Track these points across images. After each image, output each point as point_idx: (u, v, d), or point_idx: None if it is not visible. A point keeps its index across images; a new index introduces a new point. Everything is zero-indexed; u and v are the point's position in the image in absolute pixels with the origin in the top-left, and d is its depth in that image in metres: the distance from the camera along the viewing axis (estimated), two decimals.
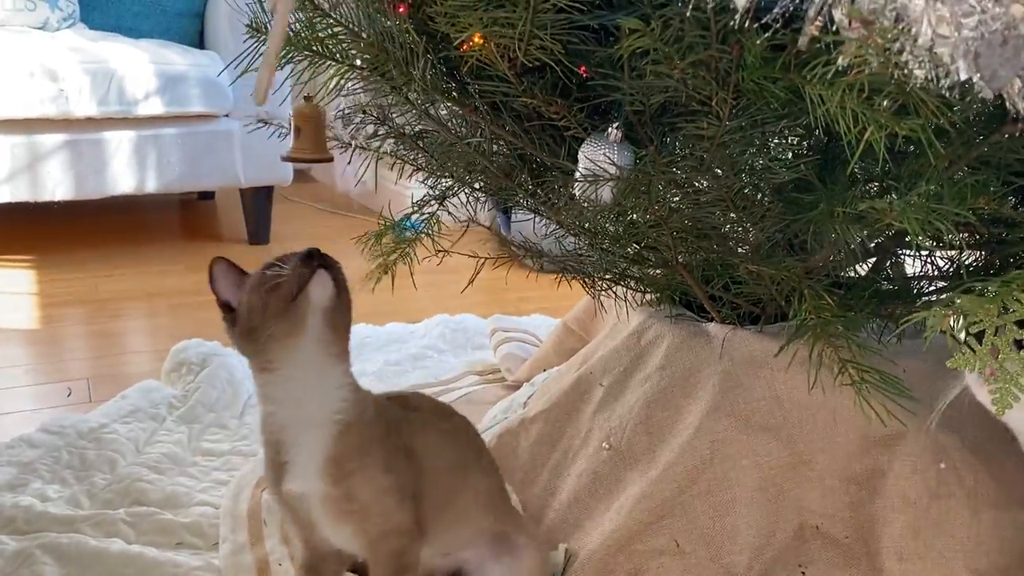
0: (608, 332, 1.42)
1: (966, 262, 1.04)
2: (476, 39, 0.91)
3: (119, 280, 2.66)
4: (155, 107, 2.86)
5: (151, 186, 2.90)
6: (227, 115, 2.98)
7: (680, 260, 1.12)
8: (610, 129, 0.95)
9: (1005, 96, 0.61)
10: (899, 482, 1.13)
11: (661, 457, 1.21)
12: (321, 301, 0.93)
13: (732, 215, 0.97)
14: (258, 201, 3.08)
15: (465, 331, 2.21)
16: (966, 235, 0.97)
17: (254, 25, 1.05)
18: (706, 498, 1.18)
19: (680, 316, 1.31)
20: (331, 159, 1.28)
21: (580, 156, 0.97)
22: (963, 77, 0.62)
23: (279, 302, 0.92)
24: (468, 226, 1.29)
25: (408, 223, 1.32)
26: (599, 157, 0.95)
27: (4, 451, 1.52)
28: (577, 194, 0.99)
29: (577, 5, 0.86)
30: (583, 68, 0.94)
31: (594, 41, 0.92)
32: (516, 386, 1.84)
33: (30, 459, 1.50)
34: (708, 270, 1.14)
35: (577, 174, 0.97)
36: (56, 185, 2.80)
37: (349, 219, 3.28)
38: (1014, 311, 0.77)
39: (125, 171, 2.86)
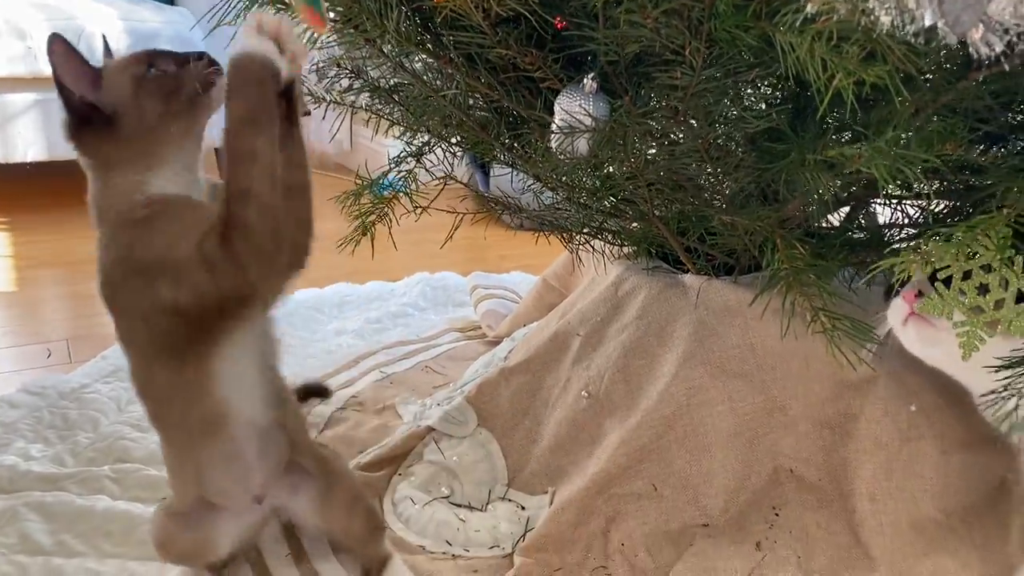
0: (586, 285, 1.44)
1: (935, 210, 1.06)
2: None
3: (94, 241, 2.63)
4: None
5: None
6: None
7: (656, 213, 1.14)
8: (585, 80, 0.95)
9: (968, 41, 0.62)
10: (871, 425, 1.16)
11: (639, 404, 1.23)
12: (218, 104, 0.93)
13: (707, 166, 0.98)
14: None
15: (446, 289, 2.22)
16: (935, 182, 0.99)
17: None
18: (682, 443, 1.21)
19: (657, 268, 1.33)
20: (308, 112, 1.27)
21: (556, 107, 0.97)
22: (928, 23, 0.63)
23: (181, 105, 0.92)
24: (446, 183, 1.29)
25: (386, 181, 1.32)
26: (575, 108, 0.95)
27: None
28: (553, 146, 0.99)
29: None
30: (558, 19, 0.94)
31: None
32: (496, 342, 1.86)
33: (12, 419, 1.51)
34: (683, 222, 1.15)
35: (553, 126, 0.98)
36: (27, 146, 2.77)
37: (326, 177, 3.24)
38: (980, 256, 0.79)
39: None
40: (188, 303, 0.88)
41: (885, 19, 0.64)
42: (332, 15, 1.04)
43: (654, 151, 0.98)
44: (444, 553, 1.21)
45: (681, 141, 0.95)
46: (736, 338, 1.21)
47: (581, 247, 1.33)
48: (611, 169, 1.09)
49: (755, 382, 1.20)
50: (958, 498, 1.16)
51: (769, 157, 0.89)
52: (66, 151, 2.70)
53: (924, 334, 0.99)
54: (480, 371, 1.60)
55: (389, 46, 1.06)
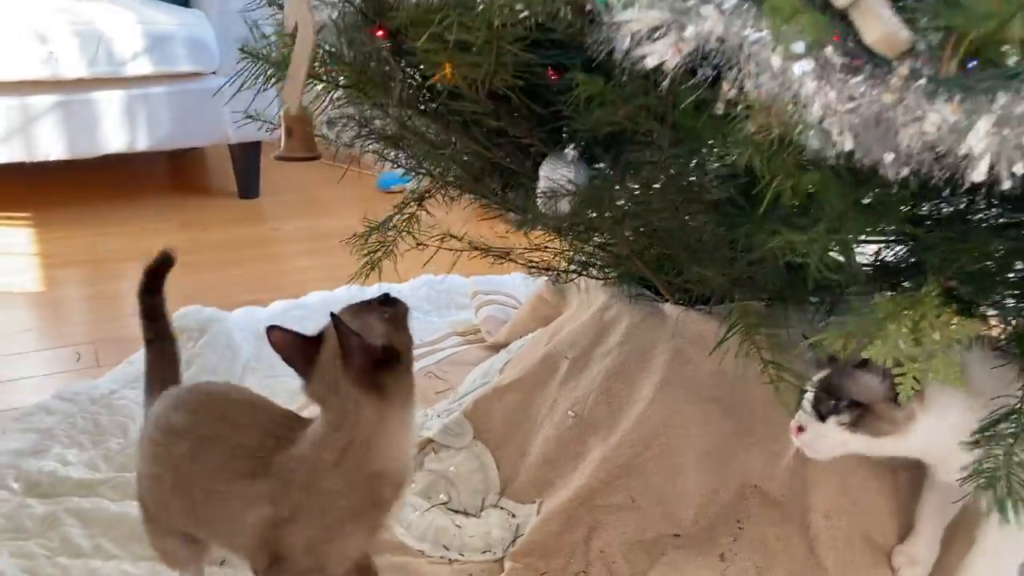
0: (575, 309, 1.56)
1: (888, 259, 1.17)
2: (447, 72, 1.02)
3: (116, 238, 2.75)
4: (143, 67, 2.92)
5: (142, 144, 2.97)
6: (214, 72, 3.04)
7: (635, 254, 1.25)
8: (567, 150, 1.07)
9: (879, 167, 0.73)
10: None
11: (619, 425, 1.36)
12: None
13: (676, 223, 1.09)
14: (247, 156, 3.16)
15: (448, 291, 2.34)
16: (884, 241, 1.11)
17: (246, 50, 1.15)
18: (659, 461, 1.33)
19: (639, 296, 1.45)
20: (319, 156, 1.38)
21: (540, 174, 1.09)
22: (847, 149, 0.74)
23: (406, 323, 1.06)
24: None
25: (389, 179, 1.43)
26: (556, 176, 1.07)
27: (24, 418, 1.66)
28: (539, 205, 1.11)
29: (537, 40, 0.96)
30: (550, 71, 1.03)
31: (553, 70, 1.03)
32: (496, 347, 1.98)
33: (48, 425, 1.64)
34: (661, 260, 1.26)
35: (538, 189, 1.09)
36: (50, 145, 2.88)
37: (336, 169, 3.36)
38: (905, 330, 0.91)
39: (116, 130, 2.93)
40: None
41: (814, 142, 0.75)
42: (342, 81, 1.15)
43: (629, 207, 1.08)
44: (441, 557, 1.35)
45: (653, 201, 1.06)
46: (709, 365, 1.33)
47: (568, 279, 1.44)
48: (593, 216, 1.20)
49: (725, 407, 1.32)
50: (907, 514, 1.29)
51: (729, 222, 1.00)
52: (87, 150, 2.82)
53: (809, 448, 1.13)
54: (478, 381, 1.73)
55: (393, 109, 1.17)
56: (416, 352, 2.01)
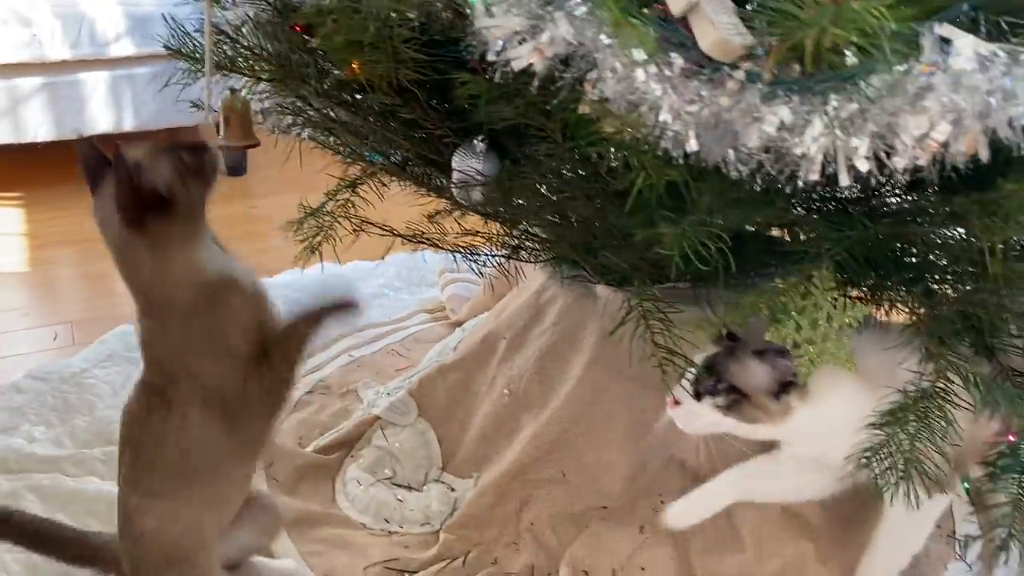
0: (517, 291, 1.60)
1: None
2: (355, 67, 1.06)
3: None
4: (126, 48, 2.96)
5: (128, 124, 3.03)
6: None
7: (559, 239, 1.29)
8: (475, 142, 1.10)
9: (721, 164, 0.77)
10: None
11: (550, 402, 1.41)
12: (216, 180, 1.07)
13: (582, 212, 1.13)
14: None
15: (420, 268, 2.38)
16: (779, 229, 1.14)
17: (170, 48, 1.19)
18: (587, 436, 1.38)
19: (574, 277, 1.49)
20: (258, 143, 1.43)
21: (452, 165, 1.13)
22: (692, 149, 0.77)
23: (209, 182, 1.05)
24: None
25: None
26: (465, 167, 1.11)
27: None
28: (455, 194, 1.15)
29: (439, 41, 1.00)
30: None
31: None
32: (458, 324, 2.03)
33: (18, 404, 1.71)
34: (582, 245, 1.30)
35: (452, 180, 1.13)
36: (37, 127, 2.94)
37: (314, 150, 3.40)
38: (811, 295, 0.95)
39: (102, 111, 2.99)
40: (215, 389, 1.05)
41: (664, 143, 0.78)
42: (264, 76, 1.19)
43: (534, 197, 1.12)
44: (382, 530, 1.41)
45: (556, 194, 1.10)
46: (631, 345, 1.37)
47: (504, 263, 1.48)
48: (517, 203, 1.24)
49: (648, 384, 1.35)
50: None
51: (618, 212, 1.03)
52: (73, 130, 2.87)
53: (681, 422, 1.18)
54: (433, 358, 1.78)
55: (316, 101, 1.21)
56: (383, 329, 2.11)
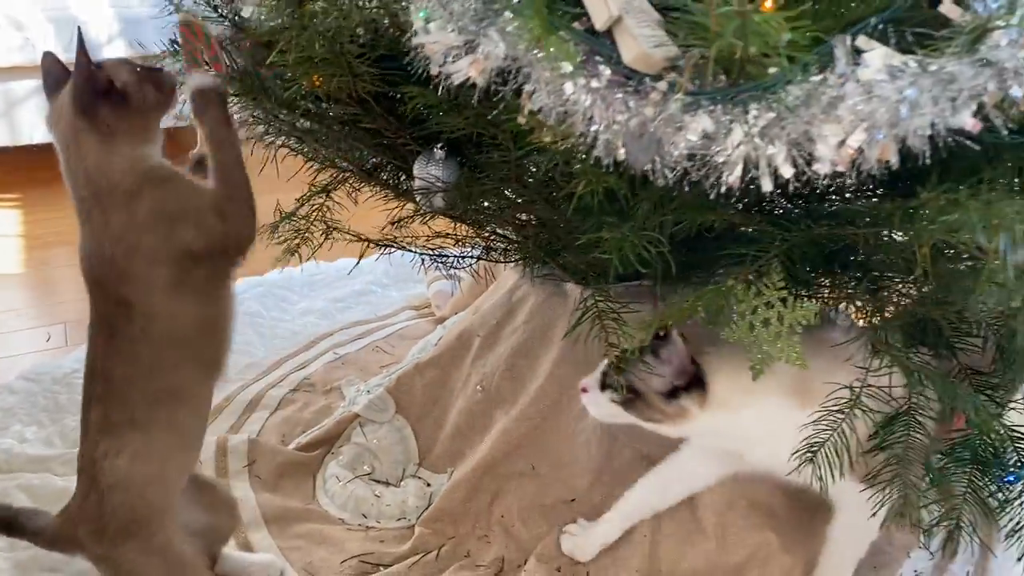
0: (493, 288, 1.63)
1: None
2: (315, 80, 1.09)
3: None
4: (119, 50, 3.00)
5: None
6: None
7: (527, 239, 1.32)
8: (434, 149, 1.13)
9: (648, 172, 0.80)
10: None
11: (520, 399, 1.44)
12: (173, 106, 1.15)
13: (541, 215, 1.16)
14: None
15: (407, 265, 2.40)
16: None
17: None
18: (555, 432, 1.42)
19: (547, 275, 1.52)
20: None
21: (414, 172, 1.16)
22: (622, 158, 0.80)
23: (165, 96, 1.12)
24: None
25: None
26: (425, 174, 1.14)
27: None
28: (418, 200, 1.18)
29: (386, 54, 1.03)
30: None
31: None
32: (442, 320, 2.07)
33: (10, 405, 1.76)
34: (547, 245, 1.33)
35: (414, 186, 1.16)
36: (32, 129, 2.99)
37: None
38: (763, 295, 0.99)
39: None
40: (201, 246, 1.09)
41: (597, 151, 0.81)
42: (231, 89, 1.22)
43: (494, 202, 1.15)
44: (360, 525, 1.45)
45: (513, 199, 1.13)
46: (598, 343, 1.40)
47: (475, 263, 1.52)
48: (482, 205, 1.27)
49: None
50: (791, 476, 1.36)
51: (576, 216, 1.06)
52: None
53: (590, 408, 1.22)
54: (415, 355, 1.81)
55: (283, 113, 1.24)
56: (369, 326, 2.14)
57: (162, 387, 1.10)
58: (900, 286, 1.06)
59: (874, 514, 1.23)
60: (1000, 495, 1.22)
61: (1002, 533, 1.22)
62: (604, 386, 1.18)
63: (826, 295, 1.12)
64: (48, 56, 1.12)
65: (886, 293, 1.07)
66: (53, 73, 1.12)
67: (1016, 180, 0.88)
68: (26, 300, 2.37)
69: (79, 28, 1.09)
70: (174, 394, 1.12)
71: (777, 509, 1.35)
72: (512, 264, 1.56)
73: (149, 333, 1.08)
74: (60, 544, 1.17)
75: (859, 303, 1.12)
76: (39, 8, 2.91)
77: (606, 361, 1.17)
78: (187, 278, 1.09)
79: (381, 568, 1.34)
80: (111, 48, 2.97)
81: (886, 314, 1.11)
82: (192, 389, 1.14)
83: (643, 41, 0.75)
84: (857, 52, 0.74)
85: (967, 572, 1.38)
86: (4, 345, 2.11)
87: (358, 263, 1.49)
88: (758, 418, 1.13)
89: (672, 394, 1.13)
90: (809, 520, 1.35)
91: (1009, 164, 0.87)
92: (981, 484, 1.22)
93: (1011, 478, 1.24)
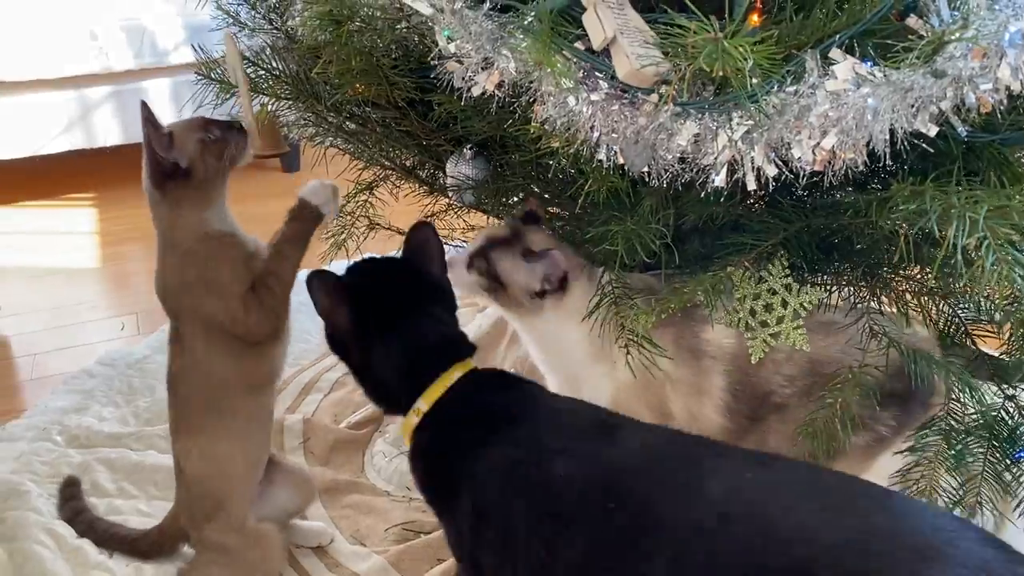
0: None
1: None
2: (358, 88, 1.21)
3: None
4: (186, 55, 3.17)
5: None
6: None
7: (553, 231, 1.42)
8: (464, 149, 1.24)
9: (645, 175, 0.89)
10: None
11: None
12: (245, 161, 1.29)
13: (565, 209, 1.26)
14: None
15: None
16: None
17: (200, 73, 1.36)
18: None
19: None
20: (287, 151, 1.60)
21: (446, 170, 1.27)
22: (622, 162, 0.90)
23: (227, 161, 1.25)
24: None
25: None
26: (455, 172, 1.25)
27: (70, 381, 1.95)
28: (451, 196, 1.29)
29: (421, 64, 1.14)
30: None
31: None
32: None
33: (90, 387, 1.93)
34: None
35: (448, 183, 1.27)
36: (107, 132, 3.18)
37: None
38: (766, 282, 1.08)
39: (166, 116, 3.19)
40: (223, 321, 1.24)
41: (601, 155, 0.91)
42: (281, 95, 1.35)
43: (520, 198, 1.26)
44: (403, 496, 1.57)
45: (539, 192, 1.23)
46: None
47: None
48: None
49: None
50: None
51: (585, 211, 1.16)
52: (139, 135, 3.08)
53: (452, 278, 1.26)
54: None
55: (331, 115, 1.37)
56: None
57: (214, 403, 1.27)
58: (894, 273, 1.13)
59: None
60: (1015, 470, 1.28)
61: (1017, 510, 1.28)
62: (470, 265, 1.29)
63: (828, 281, 1.19)
64: (144, 108, 1.24)
65: (883, 279, 1.14)
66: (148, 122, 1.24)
67: (994, 174, 0.95)
68: (102, 292, 2.55)
69: (144, 104, 1.22)
70: (226, 408, 1.28)
71: None
72: None
73: (197, 365, 1.26)
74: (166, 539, 1.36)
75: (860, 287, 1.19)
76: (112, 18, 3.10)
77: (477, 245, 1.28)
78: (220, 336, 1.25)
79: (421, 535, 1.46)
80: (178, 53, 3.15)
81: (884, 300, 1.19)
82: (242, 404, 1.30)
83: (636, 60, 0.84)
84: (827, 64, 0.82)
85: None
86: (84, 333, 2.29)
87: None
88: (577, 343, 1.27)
89: (540, 294, 1.26)
90: None
91: (985, 160, 0.95)
92: (995, 461, 1.29)
93: (1021, 454, 1.30)
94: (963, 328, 1.40)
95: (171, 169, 1.22)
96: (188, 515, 1.32)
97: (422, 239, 1.14)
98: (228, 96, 1.39)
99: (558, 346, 1.32)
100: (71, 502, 1.44)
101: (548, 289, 1.26)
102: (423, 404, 1.05)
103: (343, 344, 1.11)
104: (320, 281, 1.06)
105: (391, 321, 1.08)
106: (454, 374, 1.06)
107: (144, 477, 1.63)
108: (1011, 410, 1.31)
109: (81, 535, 1.43)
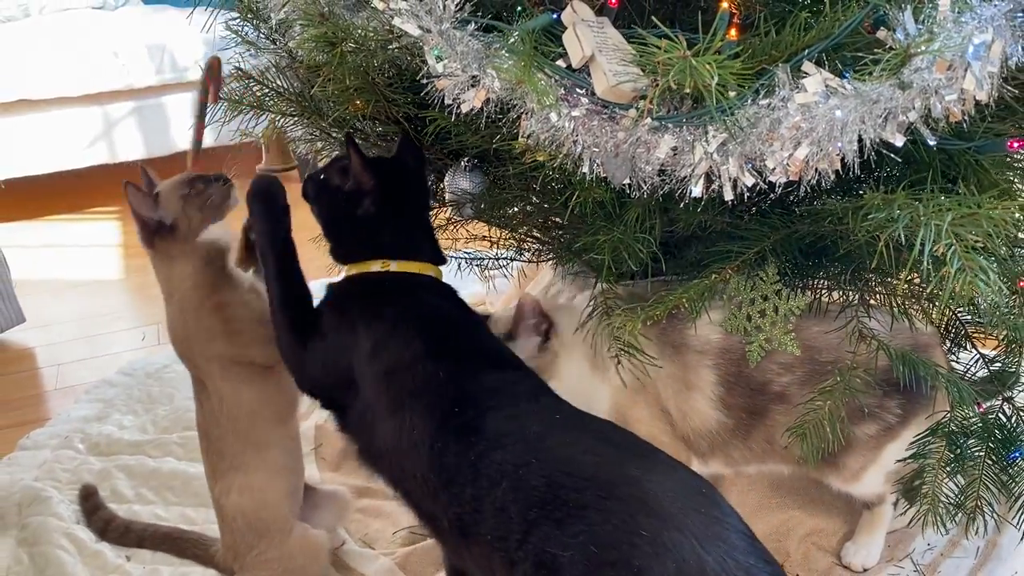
0: (531, 286, 1.77)
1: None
2: (358, 104, 1.25)
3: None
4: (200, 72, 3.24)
5: (208, 140, 3.31)
6: None
7: (551, 240, 1.45)
8: (462, 162, 1.28)
9: (626, 186, 0.92)
10: None
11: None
12: (230, 209, 1.34)
13: (561, 219, 1.29)
14: None
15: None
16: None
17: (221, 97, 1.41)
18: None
19: (579, 273, 1.65)
20: (296, 166, 1.64)
21: (444, 183, 1.30)
22: (604, 174, 0.93)
23: (210, 211, 1.30)
24: None
25: None
26: (454, 185, 1.28)
27: (92, 390, 2.01)
28: (451, 209, 1.33)
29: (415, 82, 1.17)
30: None
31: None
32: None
33: (110, 396, 1.98)
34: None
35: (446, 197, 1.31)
36: (129, 147, 3.26)
37: None
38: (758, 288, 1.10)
39: (185, 130, 3.29)
40: (231, 355, 1.29)
41: (584, 168, 0.94)
42: (286, 110, 1.39)
43: (517, 210, 1.29)
44: None
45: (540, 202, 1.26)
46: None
47: (510, 261, 1.66)
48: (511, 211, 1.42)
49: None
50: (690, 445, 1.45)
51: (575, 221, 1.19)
52: (160, 149, 3.17)
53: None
54: None
55: (334, 130, 1.41)
56: None
57: (245, 440, 1.31)
58: (880, 278, 1.15)
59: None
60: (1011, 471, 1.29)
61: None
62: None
63: (816, 287, 1.21)
64: (143, 171, 1.34)
65: (868, 284, 1.16)
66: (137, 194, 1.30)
67: (971, 181, 0.97)
68: (124, 303, 2.61)
69: (127, 184, 1.28)
70: (257, 443, 1.32)
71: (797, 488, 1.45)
72: (547, 263, 1.69)
73: (222, 405, 1.30)
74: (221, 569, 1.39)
75: (848, 291, 1.21)
76: (134, 36, 3.18)
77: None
78: (238, 371, 1.29)
79: (428, 537, 1.50)
80: (197, 70, 3.22)
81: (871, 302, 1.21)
82: (272, 436, 1.34)
83: (611, 77, 0.87)
84: (798, 77, 0.85)
85: (977, 548, 1.45)
86: (106, 344, 2.35)
87: None
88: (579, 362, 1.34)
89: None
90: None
91: (961, 167, 0.97)
92: (992, 463, 1.30)
93: (1016, 454, 1.31)
94: (963, 330, 1.42)
95: (156, 227, 1.28)
96: (233, 554, 1.34)
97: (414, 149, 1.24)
98: (236, 113, 1.43)
99: (569, 371, 1.36)
100: (98, 512, 1.47)
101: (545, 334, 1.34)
102: (377, 267, 1.19)
103: (334, 197, 1.21)
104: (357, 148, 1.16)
105: (401, 208, 1.19)
106: (423, 269, 1.19)
107: (161, 483, 1.67)
108: (1008, 412, 1.33)
109: (114, 543, 1.44)
